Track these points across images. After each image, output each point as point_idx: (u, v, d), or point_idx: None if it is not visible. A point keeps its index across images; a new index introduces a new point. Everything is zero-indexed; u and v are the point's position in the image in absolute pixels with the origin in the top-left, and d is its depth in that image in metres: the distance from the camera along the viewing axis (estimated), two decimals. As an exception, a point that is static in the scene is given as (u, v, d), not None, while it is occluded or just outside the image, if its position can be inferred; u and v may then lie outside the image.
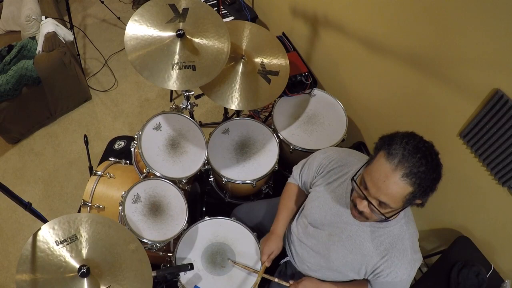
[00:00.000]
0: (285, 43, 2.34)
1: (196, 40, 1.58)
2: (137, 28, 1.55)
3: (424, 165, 0.95)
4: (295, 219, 1.50)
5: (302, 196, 1.51)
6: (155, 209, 1.62)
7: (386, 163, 0.98)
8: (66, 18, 2.98)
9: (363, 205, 1.06)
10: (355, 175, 1.12)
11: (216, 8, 2.49)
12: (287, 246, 1.52)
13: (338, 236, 1.26)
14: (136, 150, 1.75)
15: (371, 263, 1.19)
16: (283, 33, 2.48)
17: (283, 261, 1.57)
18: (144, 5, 1.58)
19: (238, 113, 2.35)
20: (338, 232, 1.26)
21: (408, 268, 1.16)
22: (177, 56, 1.53)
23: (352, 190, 1.17)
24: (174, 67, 1.52)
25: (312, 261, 1.37)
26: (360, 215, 1.10)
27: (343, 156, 1.33)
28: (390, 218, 1.07)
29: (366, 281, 1.30)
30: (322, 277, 1.39)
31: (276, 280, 1.42)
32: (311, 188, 1.40)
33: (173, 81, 1.50)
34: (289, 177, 1.56)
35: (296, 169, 1.52)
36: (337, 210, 1.25)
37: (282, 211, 1.50)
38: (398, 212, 1.05)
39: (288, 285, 1.38)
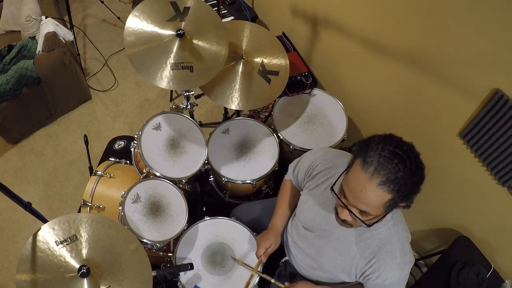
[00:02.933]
0: (285, 43, 2.33)
1: (195, 41, 1.58)
2: (138, 24, 1.54)
3: (402, 171, 0.91)
4: (290, 220, 1.50)
5: (299, 193, 1.51)
6: (155, 209, 1.63)
7: (362, 172, 0.95)
8: (66, 18, 2.97)
9: (344, 214, 1.04)
10: (334, 184, 1.09)
11: (216, 8, 2.49)
12: (285, 246, 1.52)
13: (327, 238, 1.25)
14: (136, 150, 1.75)
15: (359, 265, 1.19)
16: (283, 33, 2.48)
17: (282, 261, 1.57)
18: (145, 0, 1.57)
19: (238, 113, 2.35)
20: (327, 235, 1.25)
21: (397, 271, 1.15)
22: (175, 56, 1.53)
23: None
24: (172, 67, 1.52)
25: (305, 262, 1.38)
26: (344, 223, 1.09)
27: (330, 158, 1.31)
28: (374, 225, 1.04)
29: (360, 285, 1.30)
30: (316, 278, 1.39)
31: (273, 281, 1.41)
32: (302, 190, 1.39)
33: (169, 80, 1.50)
34: (285, 174, 1.56)
35: (291, 167, 1.51)
36: (325, 213, 1.24)
37: (280, 207, 1.50)
38: (381, 218, 1.03)
39: (283, 286, 1.37)
